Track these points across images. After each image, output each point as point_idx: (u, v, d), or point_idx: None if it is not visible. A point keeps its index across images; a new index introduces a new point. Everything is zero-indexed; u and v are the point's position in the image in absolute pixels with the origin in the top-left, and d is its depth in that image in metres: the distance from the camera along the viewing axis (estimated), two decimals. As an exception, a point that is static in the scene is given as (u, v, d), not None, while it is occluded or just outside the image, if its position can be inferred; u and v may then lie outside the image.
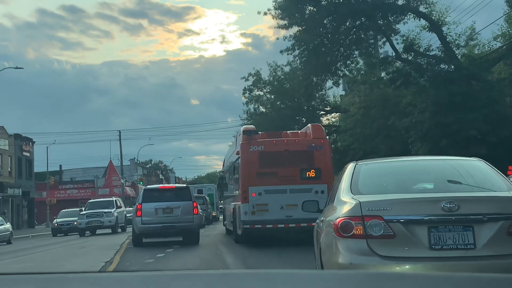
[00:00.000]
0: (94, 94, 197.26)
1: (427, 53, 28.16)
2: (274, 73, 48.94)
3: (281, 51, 30.43)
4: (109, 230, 38.54)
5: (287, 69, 47.66)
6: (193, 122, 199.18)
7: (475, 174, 7.01)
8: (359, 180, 6.90)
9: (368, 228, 6.01)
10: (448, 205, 5.93)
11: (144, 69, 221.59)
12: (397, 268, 5.96)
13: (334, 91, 57.84)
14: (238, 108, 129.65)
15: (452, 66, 27.42)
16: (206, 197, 52.51)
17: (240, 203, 20.01)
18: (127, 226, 39.91)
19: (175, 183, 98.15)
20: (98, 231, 38.98)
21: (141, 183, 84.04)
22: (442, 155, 28.41)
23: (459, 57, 27.92)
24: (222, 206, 37.08)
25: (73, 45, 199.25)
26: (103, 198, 51.73)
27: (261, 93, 50.94)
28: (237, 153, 20.69)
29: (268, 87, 49.83)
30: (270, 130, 45.41)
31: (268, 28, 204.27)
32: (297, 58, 29.88)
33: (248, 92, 50.73)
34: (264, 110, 51.03)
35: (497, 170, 7.03)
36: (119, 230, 39.46)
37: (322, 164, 19.52)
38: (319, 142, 19.60)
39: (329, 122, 51.90)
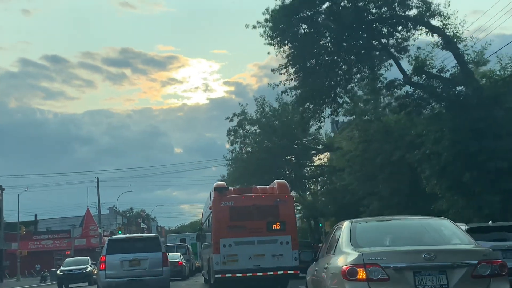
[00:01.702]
0: (76, 143, 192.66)
1: (441, 74, 24.22)
2: (261, 109, 45.42)
3: (272, 70, 26.67)
4: None
5: (275, 104, 44.21)
6: (177, 170, 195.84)
7: (444, 230, 8.92)
8: (357, 235, 8.63)
9: (369, 273, 7.79)
10: (427, 256, 7.84)
11: (127, 117, 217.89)
12: None
13: (326, 129, 54.33)
14: (222, 154, 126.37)
15: (471, 89, 23.50)
16: (189, 246, 49.11)
17: (213, 254, 21.10)
18: None
19: (157, 232, 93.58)
20: None
21: (119, 232, 79.30)
22: (460, 192, 23.13)
23: (478, 78, 24.05)
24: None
25: (55, 95, 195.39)
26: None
27: (247, 133, 47.44)
28: (210, 208, 22.13)
29: (255, 125, 46.30)
30: (257, 172, 41.98)
31: (251, 76, 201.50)
32: (291, 76, 25.97)
33: (232, 133, 47.35)
34: (250, 150, 47.38)
35: (460, 227, 9.16)
36: None
37: (287, 217, 21.03)
38: (284, 197, 21.25)
39: (321, 162, 48.35)
